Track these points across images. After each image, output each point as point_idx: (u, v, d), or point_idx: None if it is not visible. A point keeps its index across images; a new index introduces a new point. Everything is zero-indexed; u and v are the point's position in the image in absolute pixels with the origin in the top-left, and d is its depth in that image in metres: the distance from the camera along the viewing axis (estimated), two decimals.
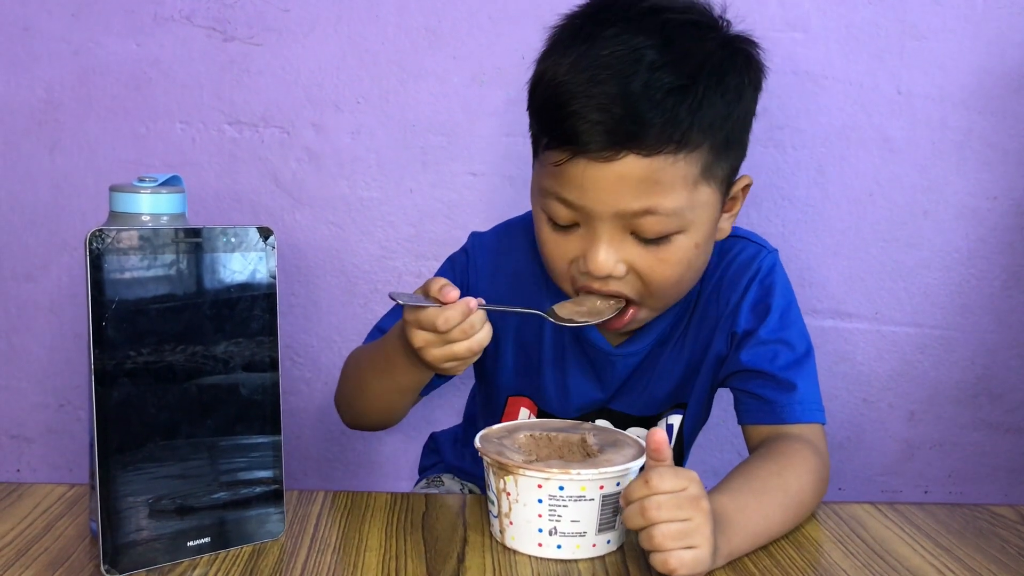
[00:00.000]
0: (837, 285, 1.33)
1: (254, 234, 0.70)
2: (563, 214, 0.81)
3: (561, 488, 0.70)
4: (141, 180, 0.72)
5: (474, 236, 0.99)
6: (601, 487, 0.70)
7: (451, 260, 0.99)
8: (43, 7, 1.26)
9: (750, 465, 0.80)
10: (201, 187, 1.29)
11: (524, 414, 0.97)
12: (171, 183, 0.73)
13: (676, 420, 0.95)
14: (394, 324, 0.87)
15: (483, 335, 0.78)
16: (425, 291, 0.78)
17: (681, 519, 0.66)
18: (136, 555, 0.67)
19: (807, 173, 1.30)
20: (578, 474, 0.69)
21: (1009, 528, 0.82)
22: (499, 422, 0.87)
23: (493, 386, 0.99)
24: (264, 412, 0.72)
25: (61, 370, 1.34)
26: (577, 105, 0.76)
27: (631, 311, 0.85)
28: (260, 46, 1.27)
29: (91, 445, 0.65)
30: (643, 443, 0.76)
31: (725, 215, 0.87)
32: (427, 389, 0.92)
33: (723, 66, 0.79)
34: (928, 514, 0.84)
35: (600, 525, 0.71)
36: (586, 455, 0.76)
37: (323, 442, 1.37)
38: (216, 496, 0.70)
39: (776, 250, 0.93)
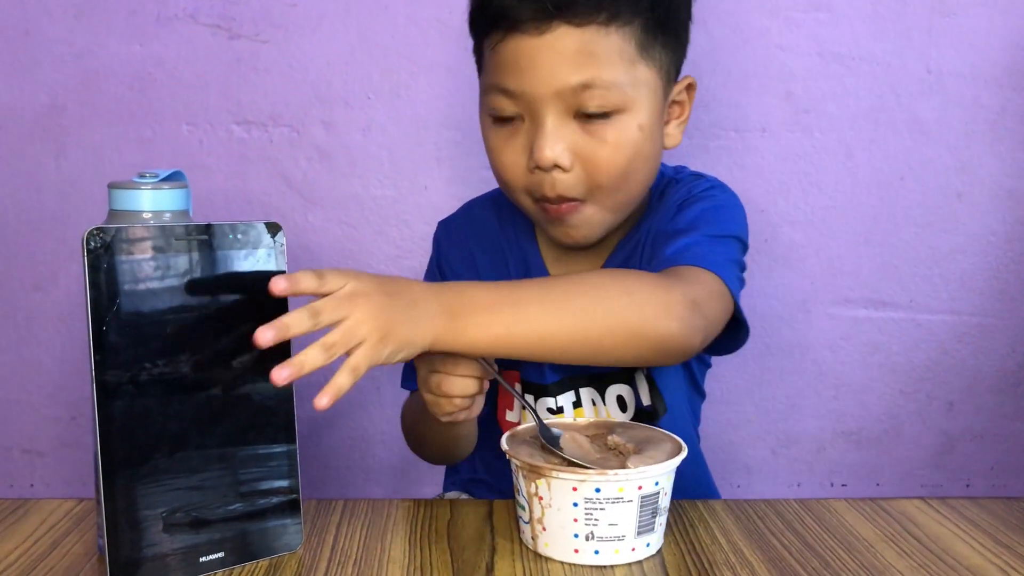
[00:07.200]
0: (869, 273, 1.28)
1: (263, 230, 0.66)
2: (505, 105, 0.83)
3: (598, 490, 0.65)
4: (141, 176, 0.68)
5: (440, 224, 1.02)
6: (640, 487, 0.66)
7: (431, 261, 1.02)
8: (44, 10, 1.23)
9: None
10: (210, 189, 1.25)
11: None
12: (173, 179, 0.69)
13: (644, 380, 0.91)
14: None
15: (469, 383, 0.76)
16: None
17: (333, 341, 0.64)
18: (145, 572, 0.63)
19: (835, 158, 1.26)
20: (615, 475, 0.65)
21: None
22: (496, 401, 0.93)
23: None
24: (278, 420, 0.68)
25: (72, 382, 1.31)
26: None
27: (575, 205, 0.84)
28: (267, 43, 1.24)
29: (95, 457, 0.62)
30: (677, 438, 0.72)
31: (675, 121, 0.89)
32: None
33: None
34: (982, 509, 0.79)
35: (639, 527, 0.67)
36: (619, 454, 0.71)
37: (340, 449, 1.34)
38: (231, 508, 0.66)
39: (726, 184, 0.93)
